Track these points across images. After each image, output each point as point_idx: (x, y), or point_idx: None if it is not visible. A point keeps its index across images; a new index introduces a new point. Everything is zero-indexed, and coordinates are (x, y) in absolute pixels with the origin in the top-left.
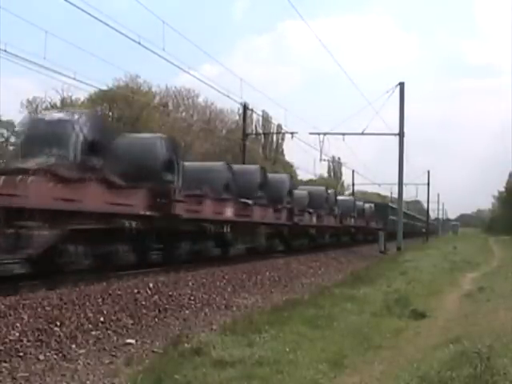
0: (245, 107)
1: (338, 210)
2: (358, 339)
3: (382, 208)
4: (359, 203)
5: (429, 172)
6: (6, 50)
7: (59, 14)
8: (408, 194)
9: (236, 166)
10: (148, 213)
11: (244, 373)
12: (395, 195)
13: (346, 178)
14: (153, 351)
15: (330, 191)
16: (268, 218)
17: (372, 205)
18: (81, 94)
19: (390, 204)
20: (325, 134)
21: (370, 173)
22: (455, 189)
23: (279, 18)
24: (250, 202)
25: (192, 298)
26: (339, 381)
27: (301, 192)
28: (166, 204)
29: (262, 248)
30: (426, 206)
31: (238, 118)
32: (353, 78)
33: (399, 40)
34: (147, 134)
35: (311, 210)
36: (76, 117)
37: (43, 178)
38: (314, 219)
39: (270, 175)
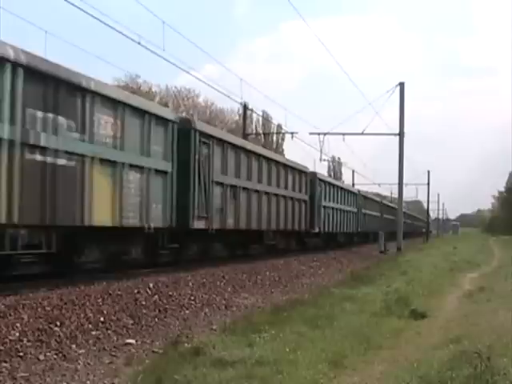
0: (245, 107)
1: None
2: (357, 339)
3: None
4: None
5: (429, 172)
6: None
7: (59, 14)
8: (408, 194)
9: None
10: None
11: (244, 373)
12: (395, 195)
13: (346, 177)
14: (153, 351)
15: None
16: None
17: None
18: None
19: None
20: (325, 134)
21: (370, 173)
22: (455, 189)
23: (281, 18)
24: None
25: (192, 298)
26: (339, 381)
27: None
28: None
29: None
30: (426, 205)
31: (238, 117)
32: (353, 78)
33: (400, 40)
34: None
35: None
36: None
37: None
38: None
39: None
